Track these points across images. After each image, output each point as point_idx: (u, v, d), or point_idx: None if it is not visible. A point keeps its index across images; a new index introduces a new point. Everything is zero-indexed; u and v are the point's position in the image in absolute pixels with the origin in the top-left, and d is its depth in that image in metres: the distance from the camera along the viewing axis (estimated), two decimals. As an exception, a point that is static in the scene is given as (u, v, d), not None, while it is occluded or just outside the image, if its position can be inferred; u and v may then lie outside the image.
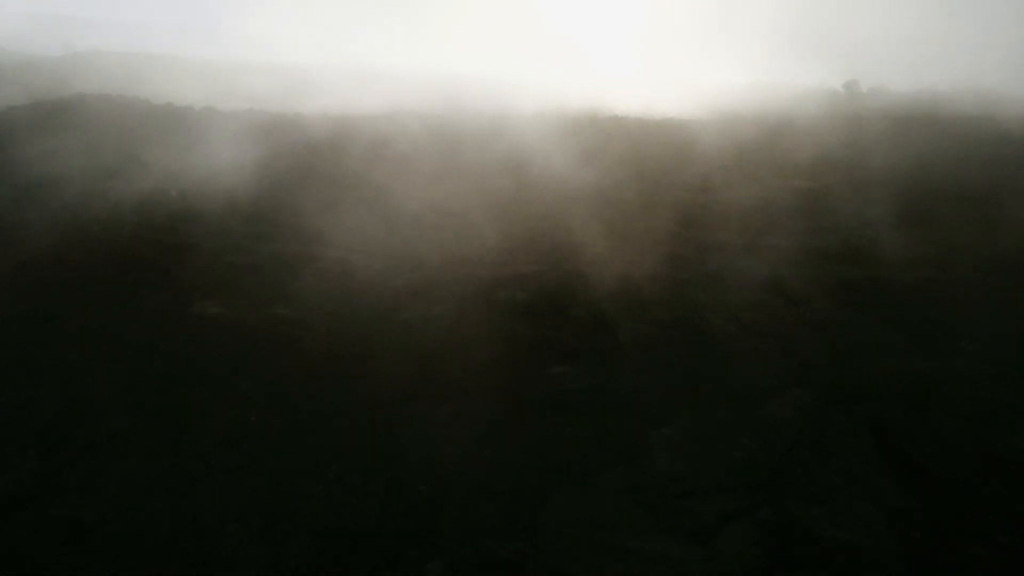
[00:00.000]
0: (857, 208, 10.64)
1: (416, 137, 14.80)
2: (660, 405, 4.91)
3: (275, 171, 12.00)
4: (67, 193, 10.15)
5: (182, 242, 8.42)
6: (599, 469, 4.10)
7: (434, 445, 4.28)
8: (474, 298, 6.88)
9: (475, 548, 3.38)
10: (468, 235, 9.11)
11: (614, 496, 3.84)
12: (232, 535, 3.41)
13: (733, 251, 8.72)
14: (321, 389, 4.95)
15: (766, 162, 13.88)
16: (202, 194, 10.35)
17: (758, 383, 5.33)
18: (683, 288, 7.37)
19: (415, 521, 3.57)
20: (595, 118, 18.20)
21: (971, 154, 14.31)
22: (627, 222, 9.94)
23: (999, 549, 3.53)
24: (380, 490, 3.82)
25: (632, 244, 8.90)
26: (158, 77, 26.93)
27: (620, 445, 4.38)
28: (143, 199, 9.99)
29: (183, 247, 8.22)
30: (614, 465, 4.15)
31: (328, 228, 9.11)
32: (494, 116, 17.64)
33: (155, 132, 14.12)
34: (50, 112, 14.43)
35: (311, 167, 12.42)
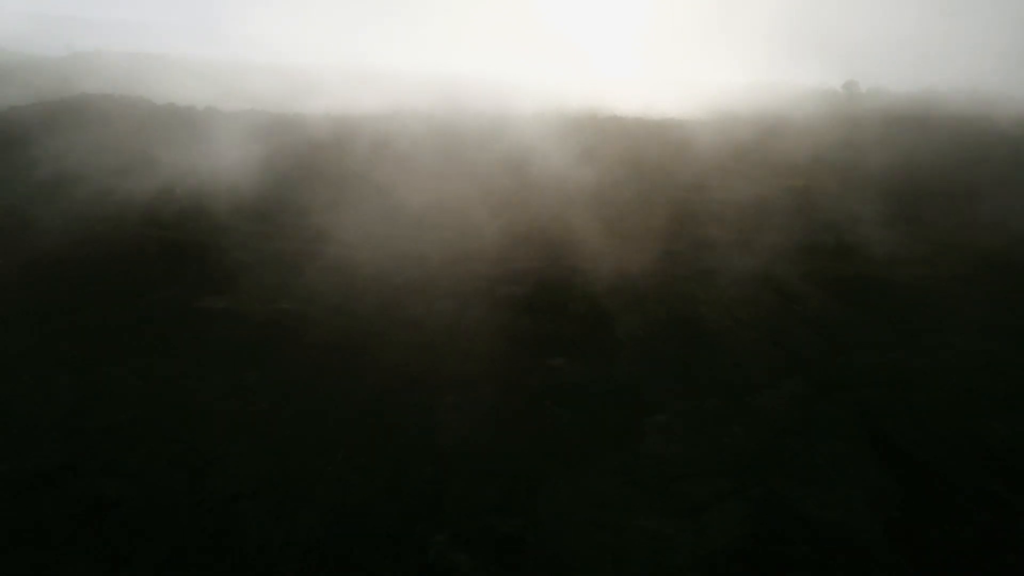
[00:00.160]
0: (850, 207, 10.83)
1: (417, 137, 14.98)
2: (655, 395, 5.09)
3: (278, 170, 12.18)
4: (77, 191, 10.34)
5: (189, 239, 8.59)
6: (595, 453, 4.29)
7: (437, 431, 4.46)
8: (475, 293, 7.06)
9: (477, 524, 3.57)
10: (469, 232, 9.28)
11: (609, 478, 4.02)
12: (246, 511, 3.60)
13: (728, 248, 8.90)
14: (326, 379, 5.13)
15: (762, 162, 14.07)
16: (207, 193, 10.53)
17: (750, 374, 5.51)
18: (679, 284, 7.55)
19: (419, 500, 3.75)
20: (594, 118, 18.37)
21: (964, 154, 14.50)
22: (625, 220, 10.12)
23: (974, 526, 3.72)
24: (386, 471, 4.00)
25: (629, 241, 9.08)
26: (159, 77, 27.07)
27: (616, 432, 4.56)
28: (150, 197, 10.17)
29: (190, 244, 8.40)
30: (610, 450, 4.33)
31: (331, 226, 9.29)
32: (494, 116, 17.81)
33: (159, 132, 14.30)
34: (55, 112, 14.60)
35: (313, 166, 12.59)
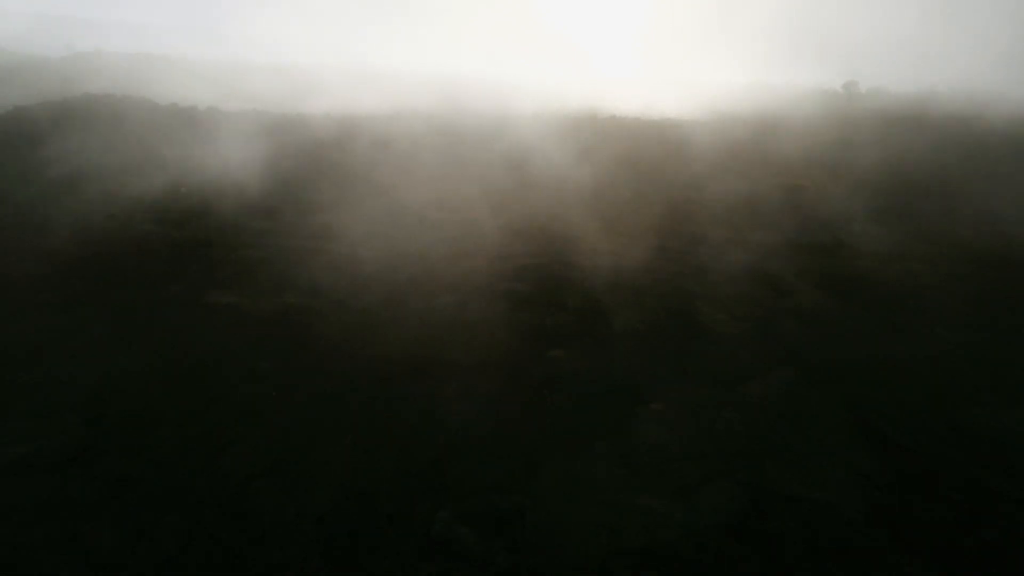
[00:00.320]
0: (844, 204, 11.03)
1: (418, 136, 15.18)
2: (650, 384, 5.28)
3: (282, 169, 12.38)
4: (86, 190, 10.53)
5: (195, 236, 8.79)
6: (591, 439, 4.47)
7: (440, 417, 4.65)
8: (475, 289, 7.25)
9: (479, 501, 3.76)
10: (470, 230, 9.48)
11: (605, 461, 4.21)
12: (261, 489, 3.79)
13: (723, 245, 9.10)
14: (334, 369, 5.32)
15: (758, 161, 14.27)
16: (213, 191, 10.73)
17: (743, 365, 5.70)
18: (675, 279, 7.74)
19: (424, 479, 3.94)
20: (594, 118, 18.58)
21: (958, 153, 14.69)
22: (623, 217, 10.32)
23: (953, 506, 3.91)
24: (392, 454, 4.19)
25: (627, 238, 9.27)
26: (160, 77, 27.26)
27: (612, 419, 4.75)
28: (157, 196, 10.37)
29: (197, 241, 8.60)
30: (606, 435, 4.52)
31: (334, 224, 9.49)
32: (495, 115, 18.03)
33: (163, 132, 14.49)
34: (59, 112, 14.79)
35: (316, 166, 12.79)
